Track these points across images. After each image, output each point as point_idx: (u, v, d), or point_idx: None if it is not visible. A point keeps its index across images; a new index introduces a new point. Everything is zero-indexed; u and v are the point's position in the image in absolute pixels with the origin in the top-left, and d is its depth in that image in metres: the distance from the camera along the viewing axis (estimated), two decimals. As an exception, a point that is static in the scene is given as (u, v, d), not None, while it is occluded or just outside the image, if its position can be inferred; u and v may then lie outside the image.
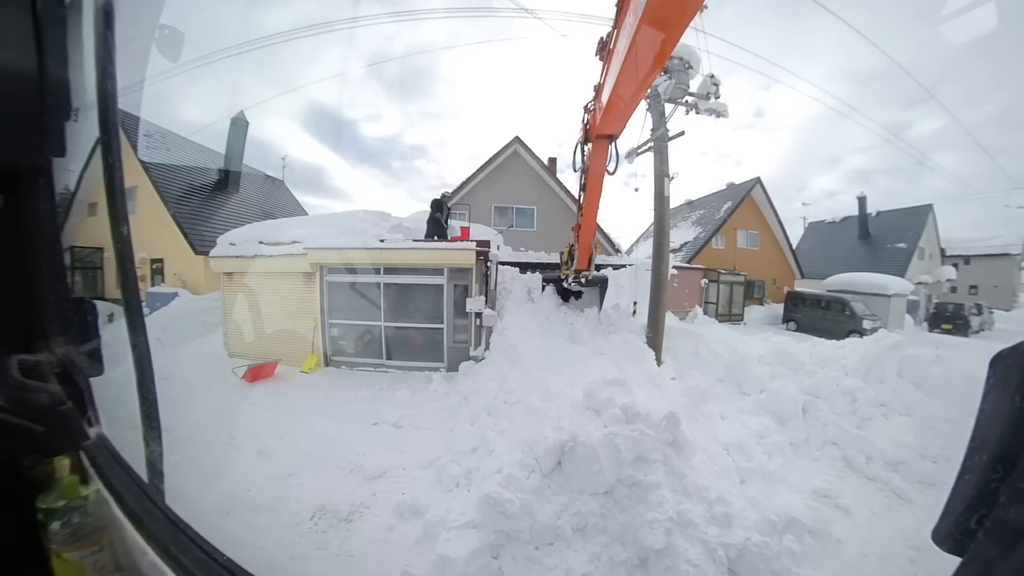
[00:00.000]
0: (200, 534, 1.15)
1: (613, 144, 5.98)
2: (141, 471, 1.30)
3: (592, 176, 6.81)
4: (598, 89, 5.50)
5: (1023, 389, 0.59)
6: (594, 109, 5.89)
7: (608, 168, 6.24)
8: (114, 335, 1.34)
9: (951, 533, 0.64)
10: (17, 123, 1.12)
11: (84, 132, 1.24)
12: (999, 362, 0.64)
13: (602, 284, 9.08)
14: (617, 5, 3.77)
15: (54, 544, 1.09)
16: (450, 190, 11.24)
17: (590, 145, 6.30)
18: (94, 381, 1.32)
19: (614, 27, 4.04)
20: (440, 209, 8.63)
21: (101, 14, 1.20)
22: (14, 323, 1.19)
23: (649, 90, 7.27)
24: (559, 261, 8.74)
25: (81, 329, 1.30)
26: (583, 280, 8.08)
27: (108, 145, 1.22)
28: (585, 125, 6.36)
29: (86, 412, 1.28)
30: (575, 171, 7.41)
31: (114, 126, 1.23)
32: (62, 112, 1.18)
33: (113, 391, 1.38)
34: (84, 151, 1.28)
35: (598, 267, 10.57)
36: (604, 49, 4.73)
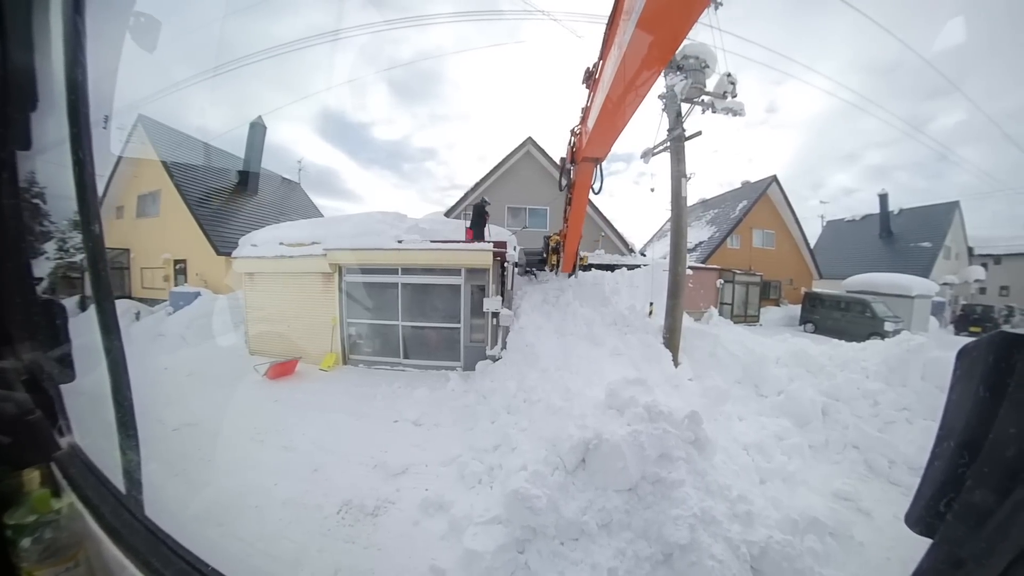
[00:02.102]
0: (183, 544, 1.11)
1: (598, 166, 6.10)
2: (118, 482, 1.24)
3: (578, 195, 7.09)
4: (584, 114, 5.57)
5: (987, 380, 0.63)
6: (580, 133, 5.98)
7: (593, 187, 6.40)
8: (86, 339, 1.26)
9: (923, 516, 0.68)
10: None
11: (52, 124, 1.15)
12: (964, 355, 0.67)
13: None
14: (604, 38, 3.90)
15: (25, 562, 1.01)
16: (488, 197, 11.36)
17: (576, 166, 6.43)
18: (65, 388, 1.22)
19: (600, 58, 4.18)
20: (481, 213, 8.78)
21: None
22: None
23: (665, 90, 7.28)
24: (543, 248, 9.92)
25: (50, 333, 1.19)
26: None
27: (78, 139, 1.15)
28: (571, 147, 6.46)
29: (56, 421, 1.18)
30: (560, 191, 7.75)
31: (84, 118, 1.15)
32: (27, 102, 1.08)
33: (86, 398, 1.29)
34: (52, 144, 1.20)
35: (611, 267, 10.69)
36: (590, 78, 4.82)
